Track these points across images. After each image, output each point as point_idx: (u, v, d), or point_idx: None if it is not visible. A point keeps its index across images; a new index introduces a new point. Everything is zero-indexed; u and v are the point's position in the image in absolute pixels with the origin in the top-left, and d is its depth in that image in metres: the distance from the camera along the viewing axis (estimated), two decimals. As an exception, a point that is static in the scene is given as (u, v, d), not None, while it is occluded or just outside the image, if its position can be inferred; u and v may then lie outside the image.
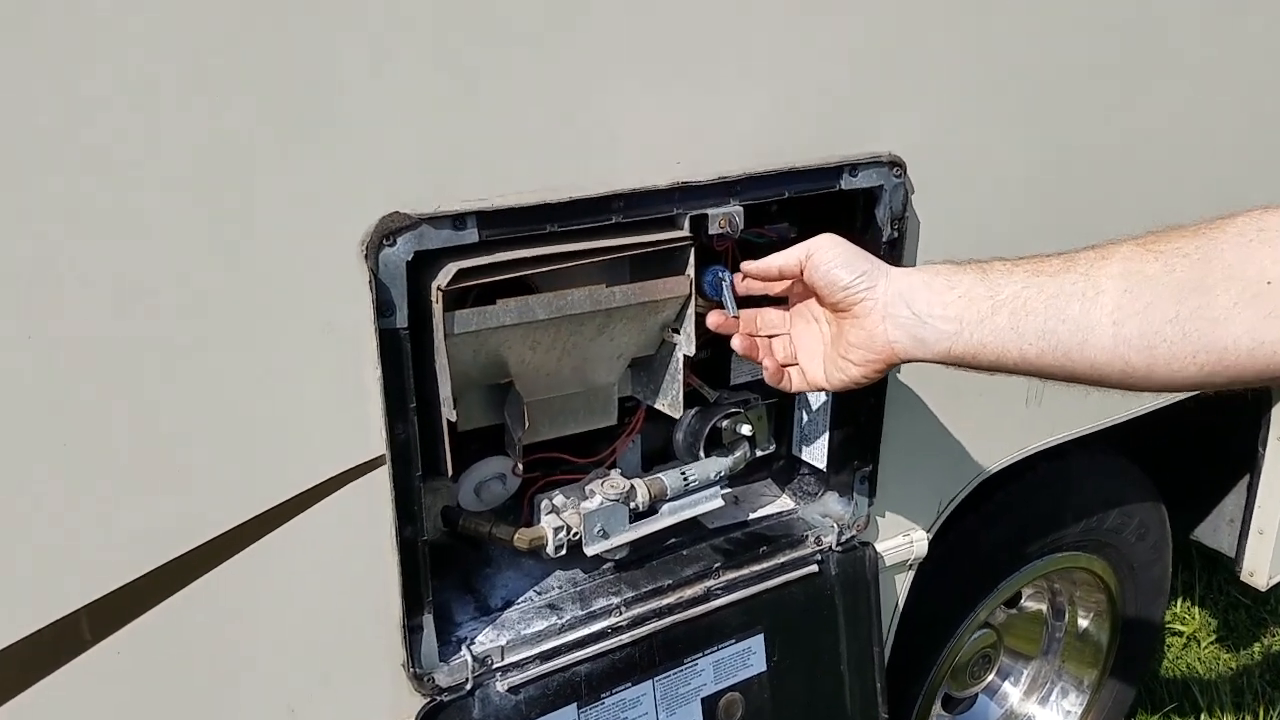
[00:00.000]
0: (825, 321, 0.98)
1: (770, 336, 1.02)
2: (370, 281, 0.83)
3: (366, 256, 0.83)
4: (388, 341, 0.86)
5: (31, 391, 0.74)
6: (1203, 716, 2.43)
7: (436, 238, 0.85)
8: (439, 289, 0.86)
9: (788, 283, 1.00)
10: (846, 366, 0.94)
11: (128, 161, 0.72)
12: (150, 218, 0.74)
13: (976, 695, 2.15)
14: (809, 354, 0.99)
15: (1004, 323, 0.83)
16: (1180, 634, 2.74)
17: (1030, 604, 2.12)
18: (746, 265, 0.99)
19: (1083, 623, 2.12)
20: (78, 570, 0.79)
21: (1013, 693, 2.19)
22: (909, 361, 0.91)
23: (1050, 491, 1.80)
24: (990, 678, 2.12)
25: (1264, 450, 2.02)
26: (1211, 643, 2.74)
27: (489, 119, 0.86)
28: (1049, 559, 1.88)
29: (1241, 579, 2.18)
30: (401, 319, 0.86)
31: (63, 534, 0.78)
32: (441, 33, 0.81)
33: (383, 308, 0.85)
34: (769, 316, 1.03)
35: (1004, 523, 1.75)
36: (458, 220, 0.86)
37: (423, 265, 0.87)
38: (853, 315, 0.91)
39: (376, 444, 0.89)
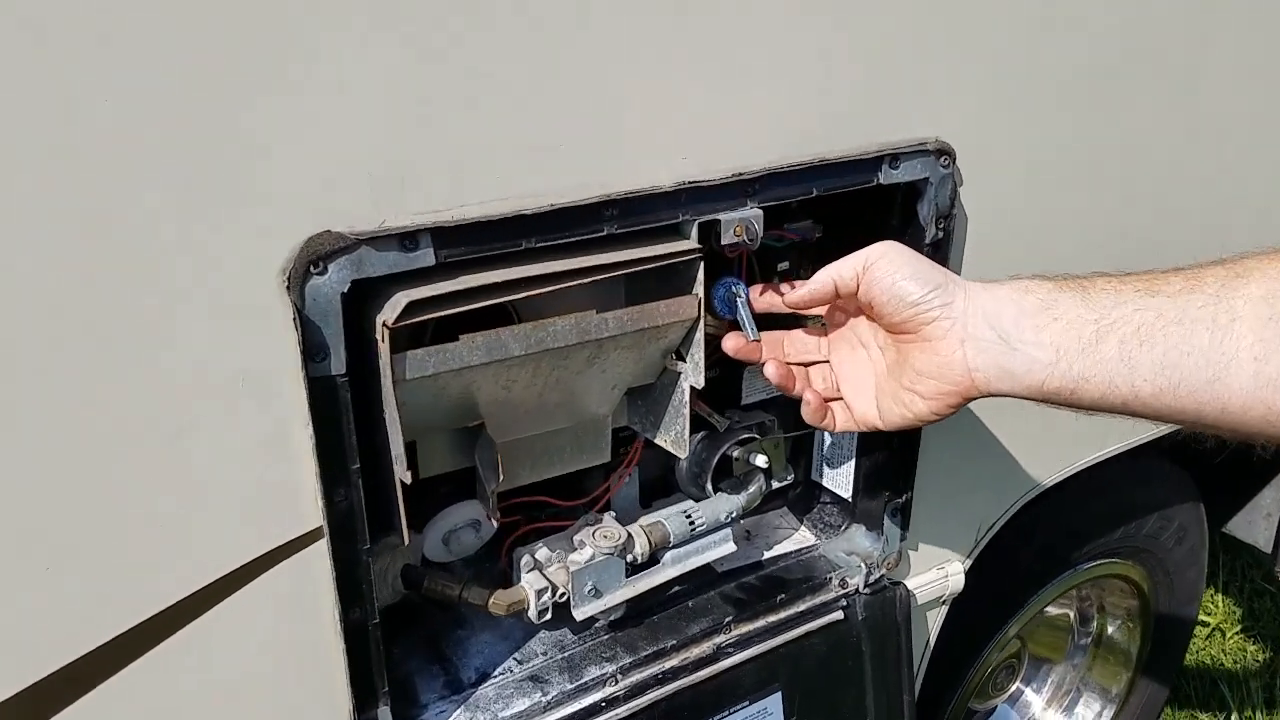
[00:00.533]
0: (878, 347, 0.83)
1: (805, 364, 0.85)
2: (295, 319, 0.65)
3: (289, 288, 0.65)
4: (320, 391, 0.68)
5: None
6: (1233, 717, 2.31)
7: (380, 262, 0.67)
8: (385, 326, 0.68)
9: (826, 304, 0.83)
10: (911, 400, 0.78)
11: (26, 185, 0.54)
12: (43, 243, 0.56)
13: (996, 706, 2.03)
14: (856, 386, 0.83)
15: (1112, 353, 0.69)
16: (1205, 624, 2.62)
17: (1054, 609, 1.99)
18: (791, 297, 0.83)
19: (1111, 630, 1.99)
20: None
21: (1035, 701, 2.06)
22: (990, 395, 0.76)
23: (1089, 500, 1.65)
24: (1013, 687, 1.99)
25: (1310, 445, 1.87)
26: (1237, 633, 2.62)
27: (447, 109, 0.67)
28: (1084, 568, 1.73)
29: (1278, 574, 2.05)
30: (337, 364, 0.68)
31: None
32: (388, 13, 0.62)
33: (312, 351, 0.67)
34: (800, 340, 0.86)
35: (1039, 535, 1.59)
36: (407, 239, 0.67)
37: (364, 297, 0.69)
38: (921, 338, 0.77)
39: (312, 514, 0.72)
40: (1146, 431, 1.38)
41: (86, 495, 0.63)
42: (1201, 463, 1.89)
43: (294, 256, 0.64)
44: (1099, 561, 1.75)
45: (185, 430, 0.65)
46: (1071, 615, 1.99)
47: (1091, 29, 1.01)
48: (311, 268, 0.65)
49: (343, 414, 0.70)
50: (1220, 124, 1.20)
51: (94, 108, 0.56)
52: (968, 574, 1.44)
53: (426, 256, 0.69)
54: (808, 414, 0.83)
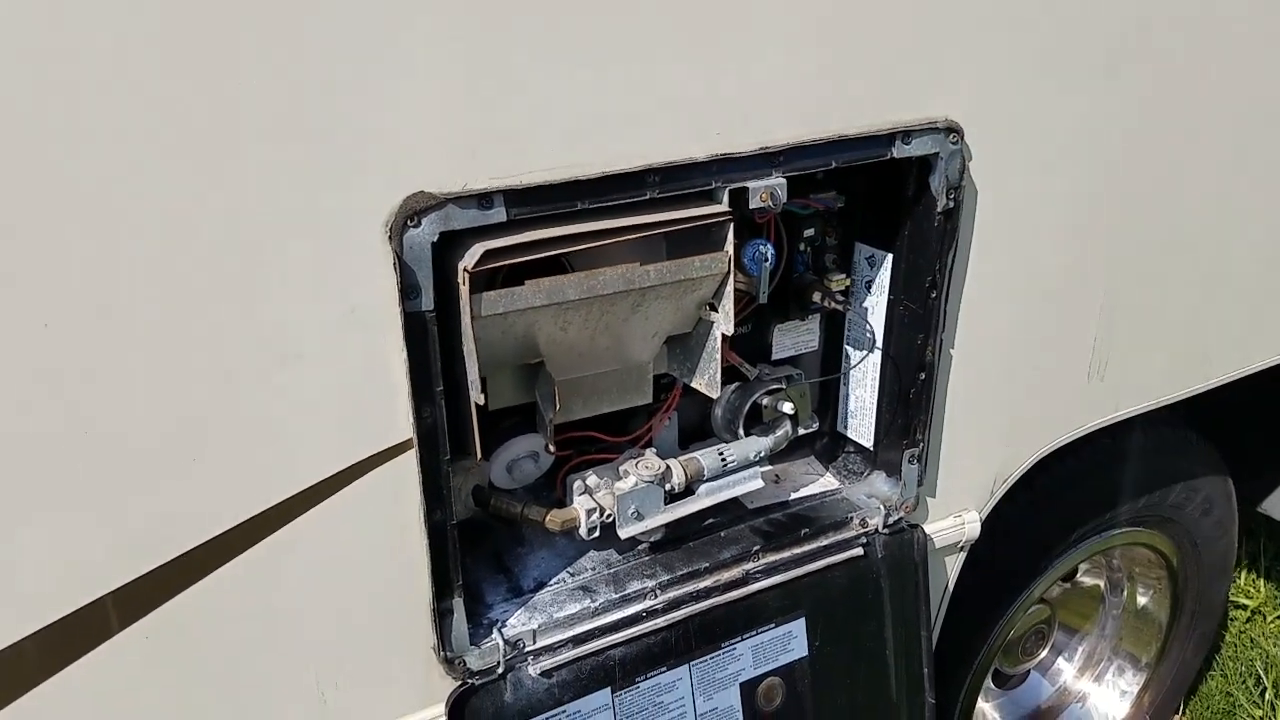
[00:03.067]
0: None
1: None
2: (395, 264, 0.80)
3: (390, 238, 0.80)
4: (413, 325, 0.83)
5: (64, 379, 0.73)
6: (1268, 694, 2.35)
7: (463, 217, 0.82)
8: (466, 271, 0.83)
9: None
10: None
11: (150, 151, 0.70)
12: (174, 204, 0.72)
13: (1028, 671, 2.10)
14: None
15: None
16: (1244, 608, 2.65)
17: (1086, 579, 2.05)
18: None
19: (1142, 599, 2.05)
20: (104, 556, 0.79)
21: (1066, 669, 2.13)
22: None
23: (1110, 466, 1.73)
24: (1043, 654, 2.07)
25: (1340, 423, 1.91)
26: (1277, 617, 2.64)
27: (515, 92, 0.81)
28: (1108, 535, 1.80)
29: (1312, 556, 2.09)
30: (427, 302, 0.83)
31: (93, 519, 0.77)
32: (468, 11, 0.77)
33: (408, 291, 0.82)
34: None
35: (1061, 498, 1.68)
36: (484, 199, 0.82)
37: (449, 246, 0.84)
38: None
39: (404, 428, 0.87)
40: (1161, 395, 1.46)
41: (235, 403, 0.79)
42: (1232, 440, 1.95)
43: (395, 212, 0.79)
44: (1124, 529, 1.82)
45: (308, 354, 0.81)
46: (1102, 584, 2.05)
47: (1094, 15, 1.11)
48: (408, 221, 0.80)
49: (430, 344, 0.85)
50: (1221, 111, 1.29)
51: (278, 108, 0.72)
52: (993, 535, 1.54)
53: (499, 214, 0.83)
54: None
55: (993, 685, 2.07)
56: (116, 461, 0.77)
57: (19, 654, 0.79)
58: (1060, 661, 2.13)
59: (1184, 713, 2.24)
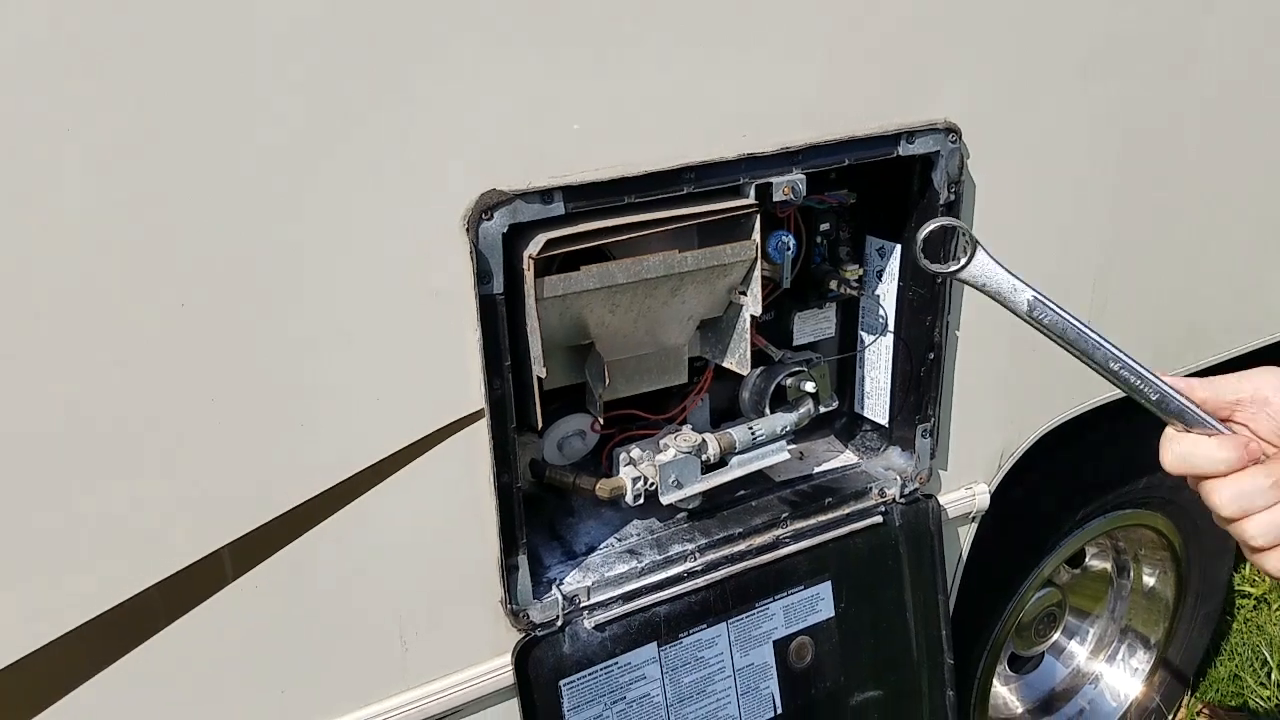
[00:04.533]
0: None
1: None
2: (471, 252, 0.92)
3: (468, 230, 0.92)
4: (486, 306, 0.95)
5: (198, 354, 0.85)
6: (1274, 674, 2.43)
7: (528, 211, 0.94)
8: (530, 257, 0.95)
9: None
10: None
11: (279, 151, 0.82)
12: (300, 203, 0.85)
13: (1043, 655, 2.19)
14: None
15: None
16: (1249, 596, 2.73)
17: (1095, 563, 2.15)
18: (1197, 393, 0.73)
19: (1148, 580, 2.14)
20: (222, 512, 0.90)
21: (1079, 651, 2.22)
22: None
23: (1112, 448, 1.83)
24: (1056, 636, 2.16)
25: (1332, 405, 2.01)
26: (1283, 605, 2.72)
27: (573, 104, 0.94)
28: (1112, 516, 1.91)
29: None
30: (498, 285, 0.95)
31: (213, 477, 0.89)
32: (533, 32, 0.90)
33: (482, 275, 0.94)
34: None
35: (1067, 479, 1.79)
36: (546, 195, 0.94)
37: (515, 236, 0.96)
38: None
39: (476, 399, 0.99)
40: (1160, 374, 1.57)
41: (337, 374, 0.91)
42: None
43: (471, 207, 0.92)
44: (1125, 510, 1.92)
45: (397, 331, 0.93)
46: (1110, 567, 2.15)
47: (1082, 24, 1.24)
48: (483, 215, 0.92)
49: (500, 323, 0.96)
50: (1208, 101, 1.41)
51: (365, 96, 0.85)
52: (1003, 515, 1.64)
53: (559, 208, 0.96)
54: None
55: (1009, 670, 2.16)
56: (237, 426, 0.88)
57: (144, 602, 0.90)
58: (1073, 645, 2.22)
59: (1194, 693, 2.31)
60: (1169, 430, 0.72)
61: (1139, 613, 2.17)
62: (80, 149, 0.76)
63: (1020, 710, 2.17)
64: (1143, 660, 2.19)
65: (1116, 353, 0.72)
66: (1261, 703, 2.37)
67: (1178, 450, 0.71)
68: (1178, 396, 0.71)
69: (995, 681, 2.11)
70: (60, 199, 0.77)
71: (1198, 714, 2.31)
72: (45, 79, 0.74)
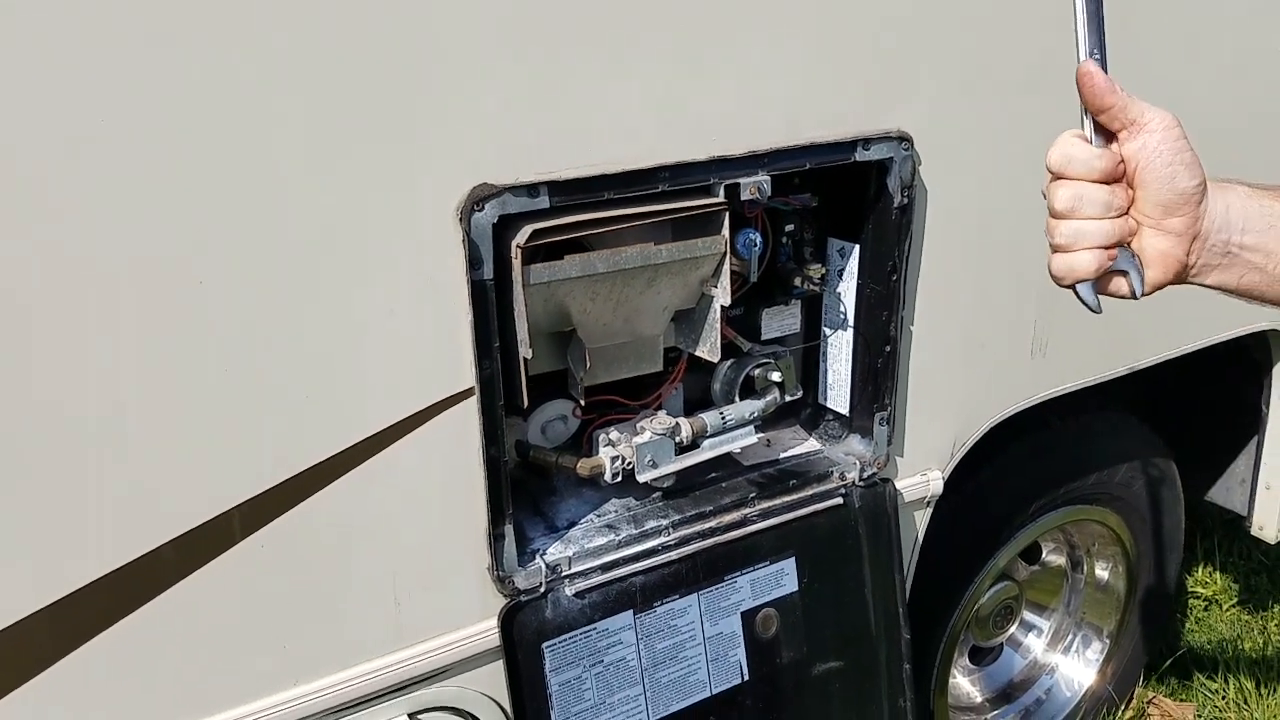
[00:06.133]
0: None
1: None
2: (464, 240, 1.02)
3: (461, 220, 1.01)
4: (477, 291, 1.04)
5: (213, 333, 0.93)
6: (1220, 668, 2.54)
7: (516, 204, 1.03)
8: (518, 246, 1.04)
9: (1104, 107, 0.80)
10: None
11: (300, 149, 0.92)
12: (311, 196, 0.94)
13: (1002, 648, 2.29)
14: None
15: None
16: (1200, 596, 2.85)
17: (1052, 558, 2.26)
18: (1088, 64, 0.80)
19: (1101, 573, 2.24)
20: (233, 475, 0.98)
21: (1036, 644, 2.32)
22: (1183, 283, 0.84)
23: (1062, 446, 1.95)
24: (1013, 629, 2.26)
25: (1268, 409, 2.15)
26: (1233, 605, 2.84)
27: (558, 107, 1.04)
28: (1063, 511, 2.01)
29: (1252, 534, 2.30)
30: (488, 272, 1.04)
31: (226, 443, 0.97)
32: (519, 42, 1.00)
33: (473, 263, 1.03)
34: None
35: (1019, 475, 1.90)
36: (532, 189, 1.04)
37: (504, 227, 1.05)
38: (1161, 227, 0.80)
39: (467, 377, 1.08)
40: (1099, 372, 1.69)
41: (341, 351, 1.00)
42: (1179, 434, 2.18)
43: (464, 199, 1.01)
44: (1077, 506, 2.04)
45: (395, 314, 1.02)
46: (1065, 562, 2.26)
47: (1017, 42, 1.36)
48: (474, 206, 1.01)
49: (490, 307, 1.06)
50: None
51: (365, 100, 0.94)
52: (959, 507, 1.75)
53: (543, 201, 1.05)
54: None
55: (970, 663, 2.26)
56: (250, 397, 0.97)
57: (159, 558, 0.98)
58: (1031, 637, 2.32)
59: (1145, 685, 2.42)
60: (1065, 134, 0.81)
61: (1093, 605, 2.27)
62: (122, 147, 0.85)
63: (980, 700, 2.26)
64: (1097, 651, 2.29)
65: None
66: (1209, 695, 2.48)
67: (1065, 149, 0.80)
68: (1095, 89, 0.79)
69: (957, 674, 2.20)
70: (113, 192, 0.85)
71: (1148, 703, 2.41)
72: (80, 86, 0.82)
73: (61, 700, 0.95)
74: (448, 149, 1.00)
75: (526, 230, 1.05)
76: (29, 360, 0.87)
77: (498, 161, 1.02)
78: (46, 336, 0.87)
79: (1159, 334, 1.76)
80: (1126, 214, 0.80)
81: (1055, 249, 0.81)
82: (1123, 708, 2.31)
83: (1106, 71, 0.80)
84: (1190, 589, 2.84)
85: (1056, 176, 0.81)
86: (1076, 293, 0.82)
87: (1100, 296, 0.82)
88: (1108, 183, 0.79)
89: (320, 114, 0.93)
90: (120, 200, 0.86)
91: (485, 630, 1.17)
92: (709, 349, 1.27)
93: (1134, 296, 0.82)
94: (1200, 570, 2.92)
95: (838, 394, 1.48)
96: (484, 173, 1.02)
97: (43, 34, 0.80)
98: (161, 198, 0.88)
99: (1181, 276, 0.82)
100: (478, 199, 1.01)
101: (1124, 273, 0.81)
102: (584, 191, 1.07)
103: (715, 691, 1.34)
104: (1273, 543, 2.29)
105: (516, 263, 1.05)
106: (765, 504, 1.37)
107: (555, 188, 1.05)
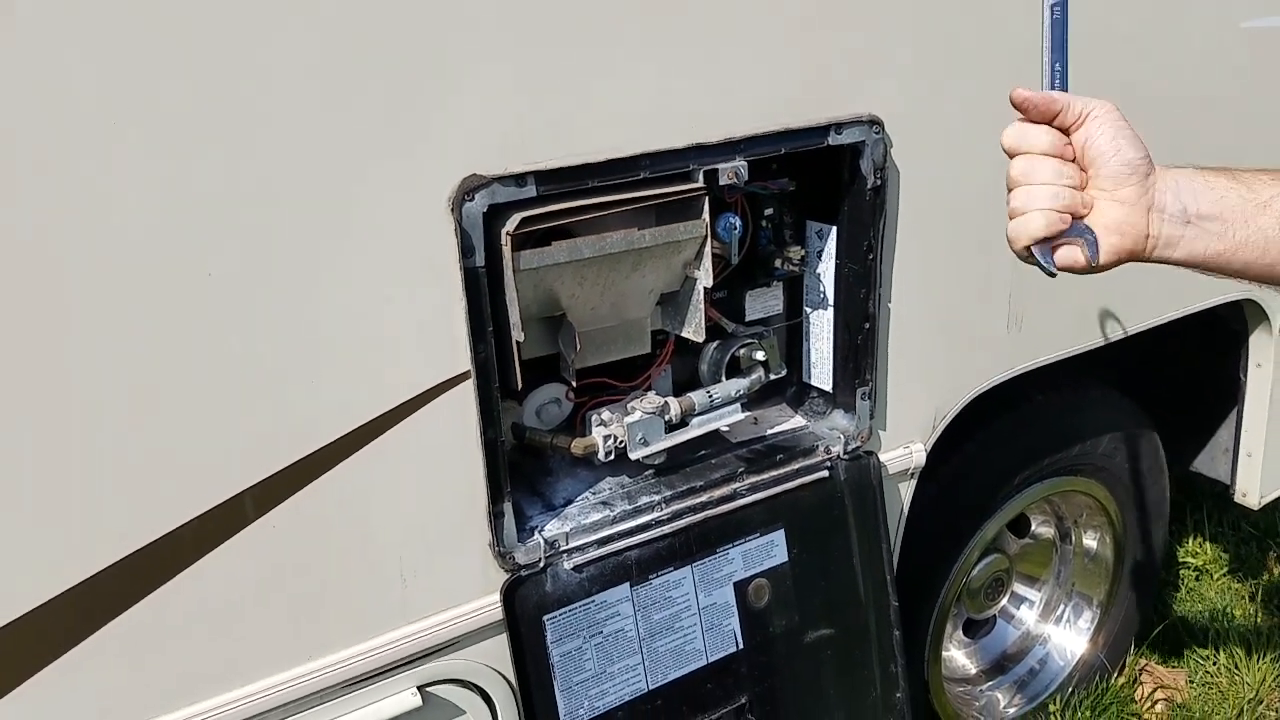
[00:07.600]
0: None
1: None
2: (456, 229, 1.07)
3: (453, 209, 1.07)
4: (470, 277, 1.10)
5: (224, 323, 0.98)
6: (1209, 633, 2.60)
7: (505, 193, 1.09)
8: (508, 234, 1.10)
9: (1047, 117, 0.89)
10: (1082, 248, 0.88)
11: (300, 145, 0.97)
12: (313, 188, 0.99)
13: (995, 620, 2.34)
14: None
15: (1270, 224, 0.83)
16: (1190, 566, 2.90)
17: (1042, 530, 2.31)
18: (1024, 93, 0.88)
19: (1089, 543, 2.30)
20: (246, 458, 1.03)
21: (1028, 616, 2.37)
22: (1151, 261, 0.88)
23: (1044, 419, 2.00)
24: (1005, 601, 2.31)
25: (1245, 378, 2.20)
26: (1223, 574, 2.89)
27: (544, 100, 1.09)
28: (1049, 483, 2.07)
29: (1235, 500, 2.36)
30: (480, 259, 1.10)
31: (239, 427, 1.02)
32: (506, 39, 1.05)
33: (466, 250, 1.09)
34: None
35: (1002, 448, 1.95)
36: (520, 179, 1.09)
37: (494, 216, 1.10)
38: (1116, 197, 0.86)
39: (463, 361, 1.13)
40: (1074, 344, 1.74)
41: (343, 336, 1.05)
42: (1162, 405, 2.23)
43: (456, 189, 1.06)
44: (1062, 477, 2.09)
45: (393, 299, 1.07)
46: (1053, 533, 2.31)
47: (982, 31, 1.42)
48: (466, 196, 1.07)
49: (482, 293, 1.11)
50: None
51: (364, 97, 0.99)
52: (947, 479, 1.80)
53: (531, 190, 1.10)
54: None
55: (964, 636, 2.32)
56: (258, 381, 1.02)
57: (178, 538, 1.03)
58: (1023, 609, 2.37)
59: (1136, 653, 2.48)
60: (1018, 121, 0.90)
61: (1082, 575, 2.33)
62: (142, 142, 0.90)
63: (975, 671, 2.32)
64: (1088, 620, 2.35)
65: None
66: (1201, 662, 2.53)
67: (1018, 129, 0.89)
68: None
69: (952, 647, 2.26)
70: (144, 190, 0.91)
71: (1140, 670, 2.46)
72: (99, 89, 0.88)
73: (85, 677, 1.01)
74: (440, 142, 1.05)
75: (516, 218, 1.10)
76: (48, 349, 0.92)
77: (487, 153, 1.08)
78: (65, 326, 0.92)
79: (1133, 306, 1.81)
80: (1080, 190, 0.87)
81: (1010, 215, 0.88)
82: (1115, 675, 2.36)
83: (1068, 80, 0.89)
84: (1181, 559, 2.90)
85: (1012, 155, 0.89)
86: (1033, 255, 0.88)
87: (1061, 273, 0.88)
88: (1057, 157, 0.87)
89: (320, 114, 0.98)
90: (140, 201, 0.92)
91: (488, 605, 1.22)
92: (694, 330, 1.32)
93: (1090, 267, 0.87)
94: (1191, 541, 2.98)
95: (821, 371, 1.54)
96: (474, 164, 1.07)
97: (43, 32, 0.86)
98: (168, 199, 0.93)
99: (1145, 248, 0.87)
100: (468, 189, 1.07)
101: (1078, 244, 0.87)
102: (569, 180, 1.13)
103: (711, 660, 1.39)
104: (1256, 508, 2.35)
105: (507, 250, 1.11)
106: (754, 478, 1.42)
107: (542, 177, 1.11)
